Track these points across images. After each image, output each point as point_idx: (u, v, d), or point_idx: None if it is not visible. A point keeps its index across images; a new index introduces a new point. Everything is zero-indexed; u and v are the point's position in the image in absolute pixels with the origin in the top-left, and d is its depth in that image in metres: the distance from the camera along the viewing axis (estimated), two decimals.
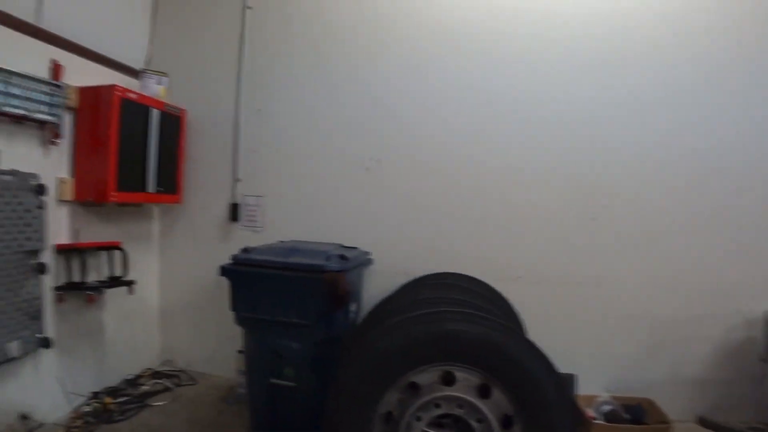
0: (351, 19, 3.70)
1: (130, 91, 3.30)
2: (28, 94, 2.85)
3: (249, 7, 3.90)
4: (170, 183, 3.75)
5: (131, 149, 3.34)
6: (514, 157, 3.45)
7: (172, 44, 4.09)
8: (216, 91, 3.96)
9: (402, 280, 3.52)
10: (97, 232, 3.42)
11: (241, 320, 2.92)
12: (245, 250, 3.02)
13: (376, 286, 3.54)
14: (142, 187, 3.45)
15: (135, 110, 3.36)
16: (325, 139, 3.73)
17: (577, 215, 3.40)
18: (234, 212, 3.86)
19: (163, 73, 3.68)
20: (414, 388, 2.21)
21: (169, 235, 4.11)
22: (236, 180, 3.86)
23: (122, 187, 3.25)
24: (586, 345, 3.36)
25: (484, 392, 2.14)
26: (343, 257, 2.92)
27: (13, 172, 2.77)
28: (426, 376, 2.20)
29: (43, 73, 3.00)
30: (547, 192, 3.42)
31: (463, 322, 2.21)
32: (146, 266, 3.97)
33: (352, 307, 3.14)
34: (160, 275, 4.12)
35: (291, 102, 3.80)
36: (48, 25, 3.11)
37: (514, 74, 3.45)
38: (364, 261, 3.36)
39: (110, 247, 3.42)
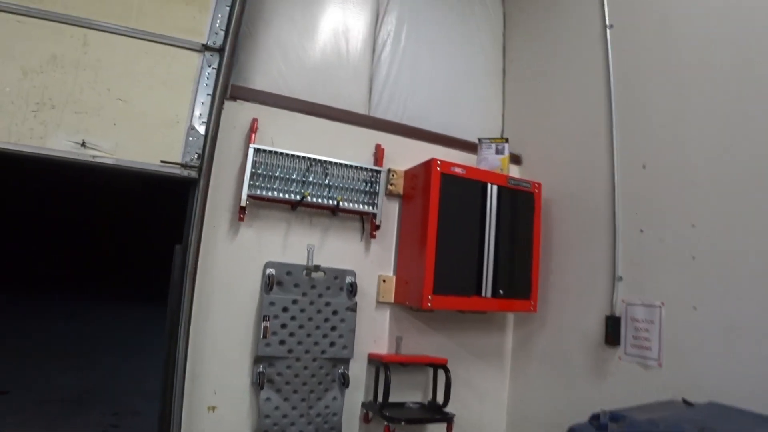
0: None
1: (456, 165, 2.62)
2: (345, 183, 2.66)
3: (609, 26, 2.63)
4: (518, 284, 2.72)
5: (459, 239, 2.60)
6: None
7: (518, 106, 3.28)
8: (579, 152, 2.77)
9: None
10: (425, 341, 2.79)
11: None
12: (614, 421, 1.62)
13: None
14: (474, 289, 2.60)
15: (464, 188, 2.64)
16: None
17: None
18: (612, 330, 2.39)
19: (503, 139, 2.83)
20: None
21: (523, 353, 3.00)
22: (616, 279, 2.44)
23: (443, 288, 2.51)
24: None
25: None
26: None
27: (317, 268, 2.54)
28: None
29: (368, 159, 2.78)
30: None
31: None
32: (491, 391, 2.99)
33: None
34: (509, 405, 3.01)
35: (694, 148, 2.18)
36: (379, 112, 2.96)
37: None
38: None
39: (434, 365, 2.71)
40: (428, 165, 2.59)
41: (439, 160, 2.58)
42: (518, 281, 2.73)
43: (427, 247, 2.51)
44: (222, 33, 2.50)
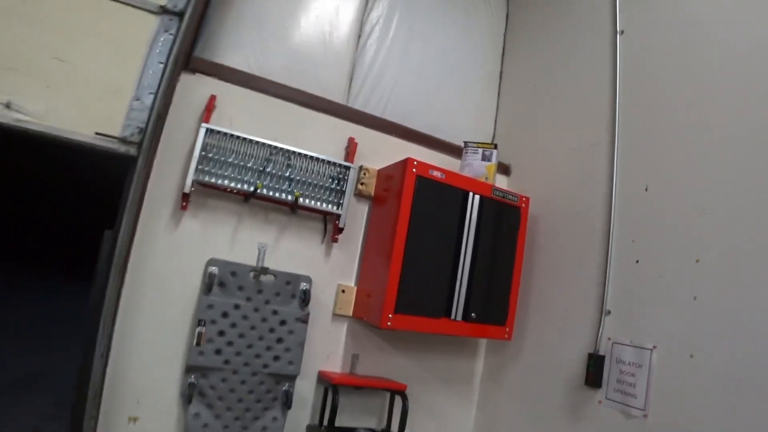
0: None
1: (435, 168, 2.32)
2: (309, 177, 2.36)
3: (620, 32, 2.35)
4: (493, 307, 2.42)
5: (431, 251, 2.30)
6: None
7: (513, 113, 3.00)
8: (575, 167, 2.48)
9: None
10: (384, 361, 2.49)
11: None
12: None
13: None
14: (443, 310, 2.29)
15: (442, 195, 2.34)
16: None
17: None
18: (593, 370, 2.09)
19: (491, 145, 2.53)
20: None
21: (493, 383, 2.68)
22: (604, 313, 2.14)
23: (407, 307, 2.20)
24: None
25: None
26: None
27: (266, 270, 2.24)
28: None
29: (338, 153, 2.48)
30: None
31: None
32: (455, 421, 2.68)
33: None
34: None
35: (706, 172, 1.89)
36: (359, 103, 2.67)
37: None
38: None
39: (391, 390, 2.40)
40: (403, 165, 2.29)
41: (416, 161, 2.28)
42: (494, 305, 2.41)
43: (392, 258, 2.20)
44: None
